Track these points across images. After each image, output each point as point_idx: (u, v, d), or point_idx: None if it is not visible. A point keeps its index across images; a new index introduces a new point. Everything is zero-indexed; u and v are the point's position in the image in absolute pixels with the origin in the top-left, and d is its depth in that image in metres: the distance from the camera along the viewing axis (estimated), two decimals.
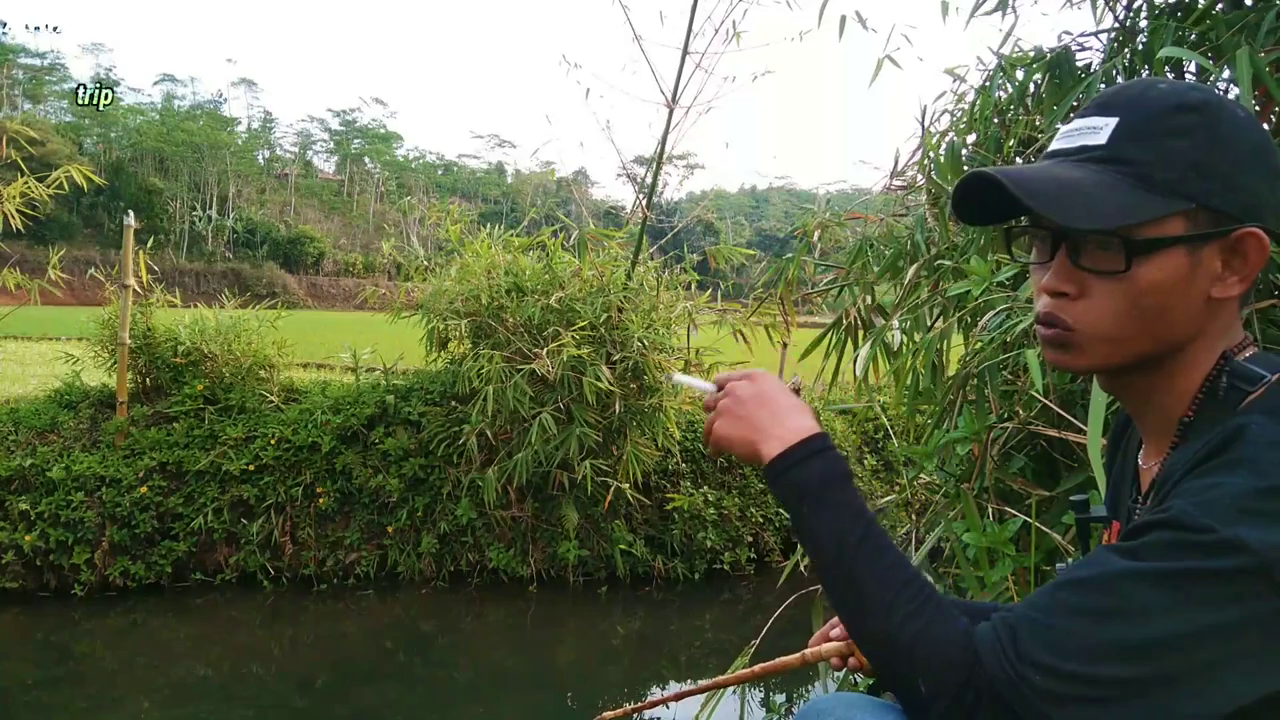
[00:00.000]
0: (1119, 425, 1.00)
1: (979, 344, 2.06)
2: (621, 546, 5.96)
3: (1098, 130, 0.79)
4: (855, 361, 2.68)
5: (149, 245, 6.31)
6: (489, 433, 5.69)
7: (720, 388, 0.98)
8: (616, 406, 5.66)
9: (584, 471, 5.58)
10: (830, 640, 1.08)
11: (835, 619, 1.08)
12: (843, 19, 3.06)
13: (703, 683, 1.13)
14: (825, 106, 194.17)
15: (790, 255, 3.38)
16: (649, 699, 1.23)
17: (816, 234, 3.36)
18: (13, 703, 4.25)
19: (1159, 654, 0.66)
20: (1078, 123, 0.82)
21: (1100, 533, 0.99)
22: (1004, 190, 0.77)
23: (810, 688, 4.40)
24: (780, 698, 4.53)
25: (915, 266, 2.58)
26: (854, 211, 3.45)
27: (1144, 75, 2.02)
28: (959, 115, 2.74)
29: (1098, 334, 0.80)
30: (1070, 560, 0.99)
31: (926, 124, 2.82)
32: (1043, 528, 1.83)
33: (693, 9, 6.05)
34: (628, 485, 5.76)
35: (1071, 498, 1.00)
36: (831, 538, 0.83)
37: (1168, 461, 0.80)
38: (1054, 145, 0.83)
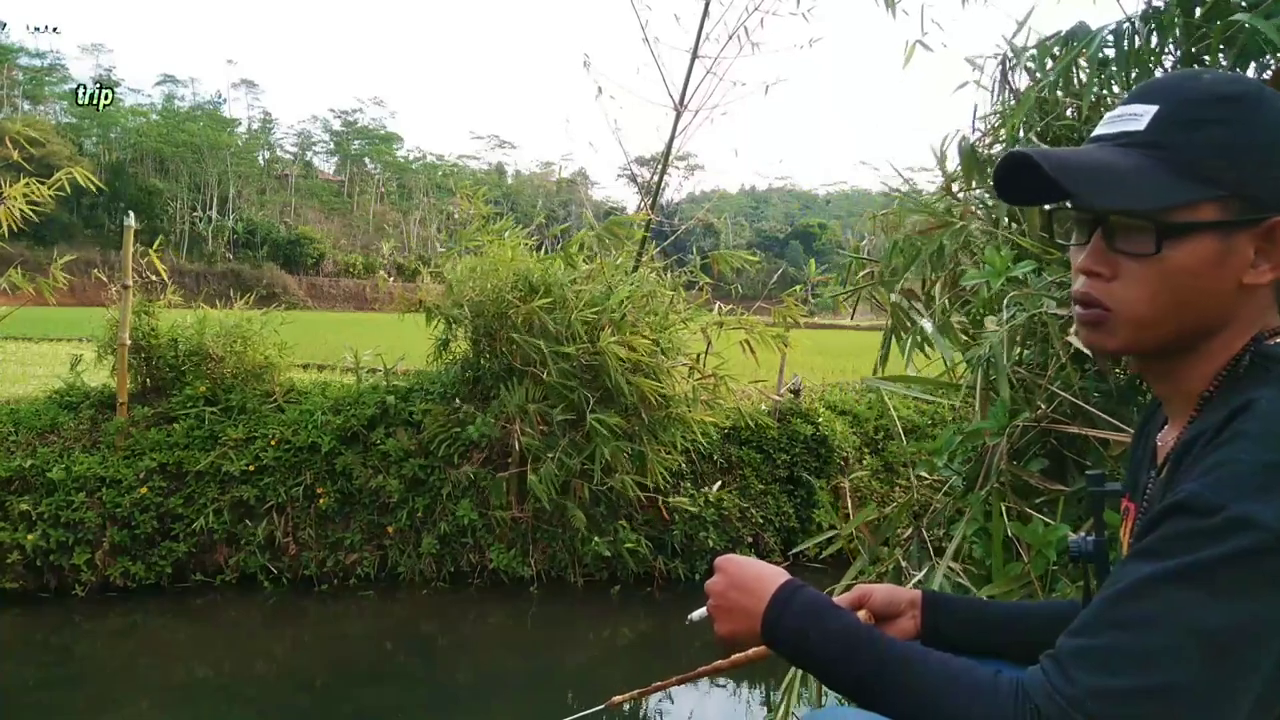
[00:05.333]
0: (1148, 411, 1.00)
1: (1000, 337, 2.04)
2: (629, 545, 5.95)
3: (1138, 117, 0.80)
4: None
5: (155, 247, 6.28)
6: (493, 435, 5.69)
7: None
8: (643, 414, 5.69)
9: (620, 480, 5.69)
10: None
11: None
12: (911, 46, 3.12)
13: (717, 663, 1.13)
14: (825, 105, 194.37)
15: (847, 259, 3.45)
16: (654, 684, 1.23)
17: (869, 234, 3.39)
18: (13, 703, 4.24)
19: (1207, 652, 0.64)
20: (1120, 109, 0.83)
21: (1119, 509, 0.97)
22: (1040, 171, 0.78)
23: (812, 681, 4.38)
24: (779, 696, 4.52)
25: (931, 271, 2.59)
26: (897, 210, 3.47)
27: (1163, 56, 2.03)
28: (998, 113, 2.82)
29: (1130, 316, 0.81)
30: (1081, 533, 0.98)
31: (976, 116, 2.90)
32: (1064, 527, 1.83)
33: (703, 15, 6.07)
34: (659, 480, 5.89)
35: (1088, 472, 1.00)
36: (849, 666, 0.84)
37: (1182, 436, 0.79)
38: (1096, 131, 0.85)
